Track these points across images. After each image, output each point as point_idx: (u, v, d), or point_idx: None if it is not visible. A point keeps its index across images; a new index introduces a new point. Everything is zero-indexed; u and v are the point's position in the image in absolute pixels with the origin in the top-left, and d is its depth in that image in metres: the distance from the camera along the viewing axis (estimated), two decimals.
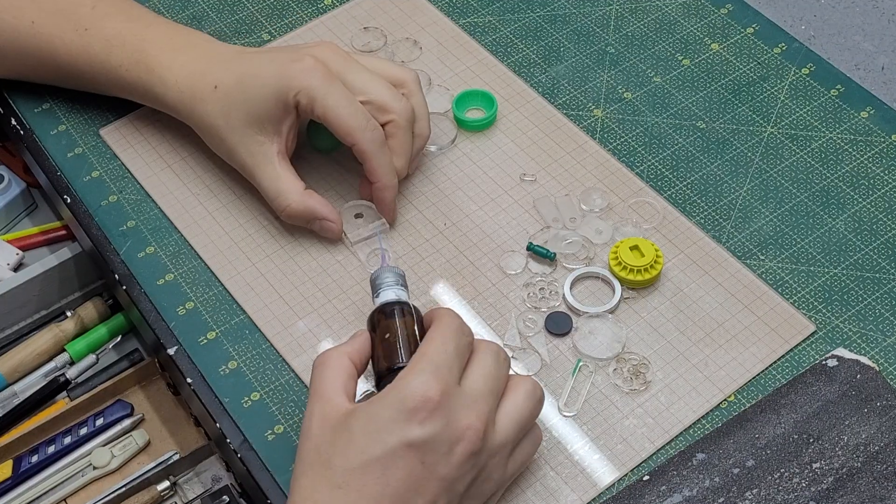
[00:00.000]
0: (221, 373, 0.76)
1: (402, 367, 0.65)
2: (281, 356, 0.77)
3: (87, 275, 0.91)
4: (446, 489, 0.62)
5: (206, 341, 0.78)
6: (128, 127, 0.90)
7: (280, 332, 0.78)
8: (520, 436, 0.66)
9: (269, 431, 0.73)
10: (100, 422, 0.84)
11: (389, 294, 0.70)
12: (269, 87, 0.78)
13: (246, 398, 0.75)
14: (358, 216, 0.82)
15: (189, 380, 0.76)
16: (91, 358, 0.87)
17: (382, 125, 0.79)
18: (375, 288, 0.71)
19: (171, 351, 0.78)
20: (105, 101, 0.91)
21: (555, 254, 0.79)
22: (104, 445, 0.83)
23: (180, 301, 0.80)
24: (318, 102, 0.77)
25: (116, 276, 0.82)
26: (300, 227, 0.83)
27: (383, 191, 0.80)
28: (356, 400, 0.65)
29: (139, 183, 0.87)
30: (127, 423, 0.84)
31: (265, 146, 0.80)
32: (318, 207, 0.80)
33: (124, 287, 0.81)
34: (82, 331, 0.89)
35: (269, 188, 0.80)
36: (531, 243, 0.79)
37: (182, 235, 0.84)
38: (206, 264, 0.82)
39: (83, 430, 0.83)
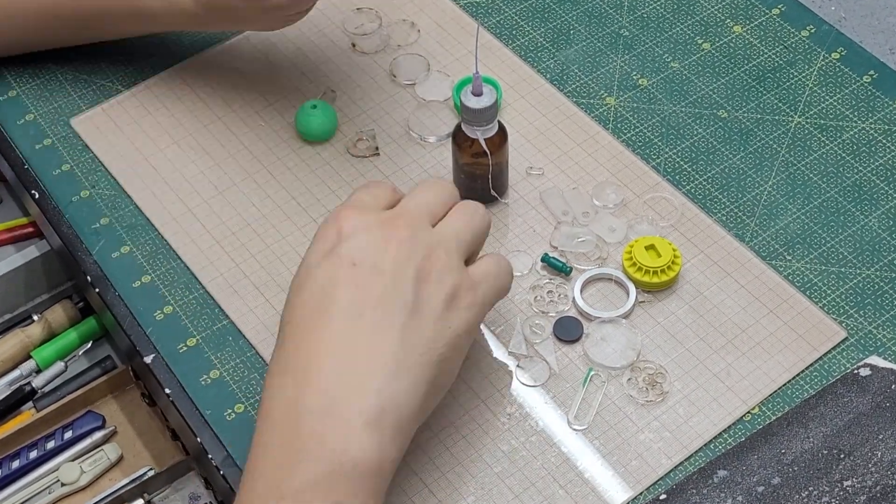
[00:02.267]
0: (202, 383, 0.76)
1: None
2: (267, 365, 0.77)
3: (56, 276, 0.91)
4: (394, 288, 0.65)
5: (185, 348, 0.78)
6: (101, 116, 0.90)
7: (266, 339, 0.78)
8: (468, 240, 0.69)
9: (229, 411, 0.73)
10: (69, 434, 0.84)
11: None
12: None
13: (229, 410, 0.75)
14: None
15: (167, 390, 0.76)
16: (59, 365, 0.87)
17: None
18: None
19: (147, 359, 0.78)
20: (77, 88, 0.91)
21: (571, 268, 0.79)
22: (73, 460, 0.83)
23: (158, 305, 0.80)
24: None
25: (88, 277, 0.82)
26: (288, 227, 0.83)
27: None
28: None
29: (113, 177, 0.87)
30: (98, 435, 0.84)
31: None
32: None
33: (97, 289, 0.81)
34: (50, 336, 0.89)
35: None
36: (546, 255, 0.79)
37: (160, 234, 0.84)
38: (185, 265, 0.82)
39: (50, 444, 0.83)
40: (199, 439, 0.74)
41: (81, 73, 0.93)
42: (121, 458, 0.84)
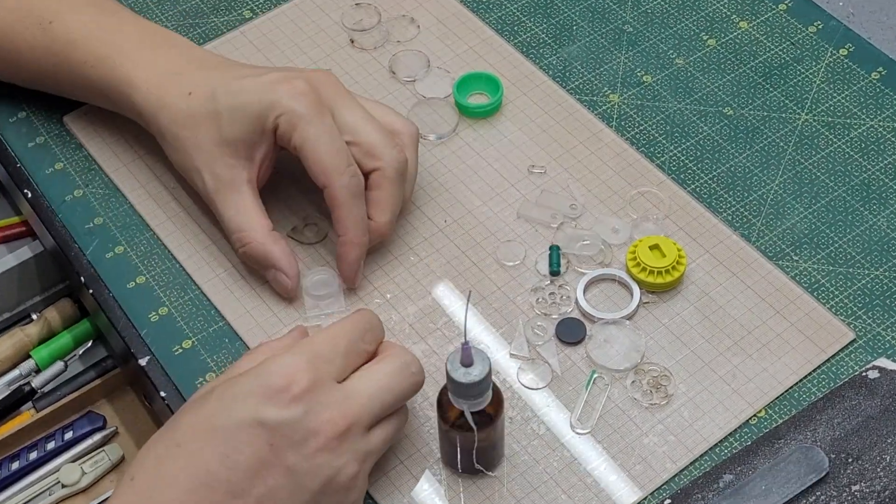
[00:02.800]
0: (199, 386, 0.76)
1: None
2: None
3: (49, 276, 0.91)
4: (293, 482, 0.63)
5: (181, 351, 0.78)
6: (95, 114, 0.90)
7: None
8: (382, 412, 0.67)
9: None
10: (69, 435, 0.84)
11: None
12: (249, 105, 0.76)
13: None
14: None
15: (163, 393, 0.76)
16: (59, 365, 0.87)
17: (367, 173, 0.77)
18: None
19: (142, 361, 0.78)
20: None
21: (559, 271, 0.79)
22: (73, 461, 0.83)
23: (153, 306, 0.80)
24: (298, 131, 0.74)
25: (82, 278, 0.82)
26: (285, 226, 0.83)
27: (348, 247, 0.76)
28: None
29: (107, 175, 0.87)
30: (98, 437, 0.84)
31: (234, 171, 0.77)
32: (278, 256, 0.77)
33: (91, 290, 0.81)
34: (49, 335, 0.89)
35: (230, 220, 0.77)
36: (555, 247, 0.80)
37: (155, 234, 0.84)
38: (181, 266, 0.82)
39: (50, 445, 0.84)
40: None
41: None
42: (122, 460, 0.84)
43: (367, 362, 0.68)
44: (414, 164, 0.80)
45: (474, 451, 0.68)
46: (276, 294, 0.79)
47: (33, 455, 0.83)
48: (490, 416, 0.67)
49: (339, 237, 0.77)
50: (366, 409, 0.65)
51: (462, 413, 0.66)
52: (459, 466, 0.70)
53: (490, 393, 0.66)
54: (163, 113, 0.80)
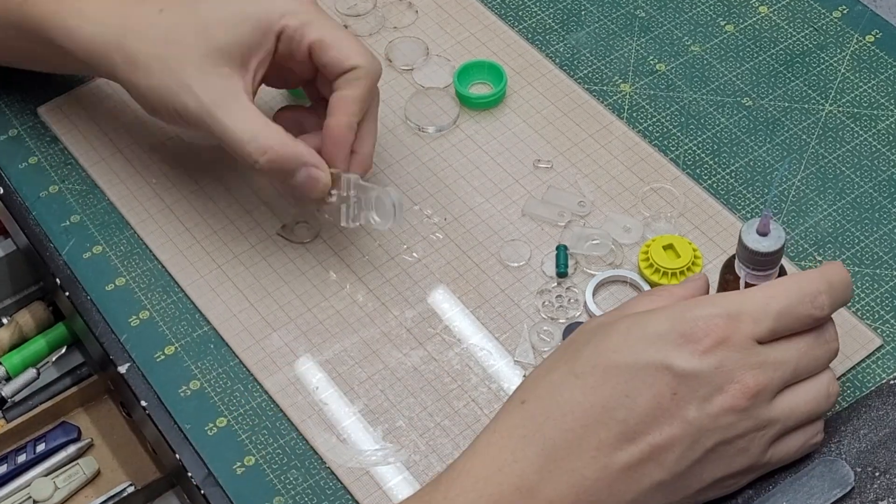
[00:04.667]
0: (182, 394, 0.76)
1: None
2: (252, 375, 0.77)
3: (21, 278, 0.91)
4: (689, 436, 0.63)
5: (163, 357, 0.78)
6: (71, 104, 0.90)
7: (251, 347, 0.78)
8: (795, 425, 0.67)
9: (238, 464, 0.73)
10: (41, 447, 0.84)
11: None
12: (246, 7, 0.76)
13: (210, 424, 0.75)
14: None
15: (143, 402, 0.76)
16: (31, 373, 0.87)
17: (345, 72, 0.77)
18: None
19: (121, 368, 0.77)
20: (44, 74, 0.91)
21: (566, 273, 0.79)
22: (46, 475, 0.83)
23: (133, 310, 0.80)
24: (315, 26, 0.76)
25: (57, 279, 0.82)
26: (274, 223, 0.83)
27: (370, 136, 0.78)
28: None
29: (85, 170, 0.87)
30: (73, 449, 0.84)
31: (231, 80, 0.76)
32: (306, 151, 0.75)
33: (67, 293, 0.81)
34: (21, 341, 0.89)
35: (240, 131, 0.74)
36: (562, 247, 0.80)
37: (135, 232, 0.84)
38: (163, 266, 0.82)
39: (21, 458, 0.84)
40: (177, 456, 0.74)
41: None
42: (98, 474, 0.84)
43: (816, 329, 0.67)
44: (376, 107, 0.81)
45: None
46: (264, 296, 0.79)
47: (2, 469, 0.83)
48: None
49: (356, 123, 0.77)
50: (778, 376, 0.65)
51: (746, 285, 0.69)
52: None
53: (773, 274, 0.69)
54: (129, 38, 0.77)
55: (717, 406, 0.63)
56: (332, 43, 0.76)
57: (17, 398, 0.87)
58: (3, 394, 0.86)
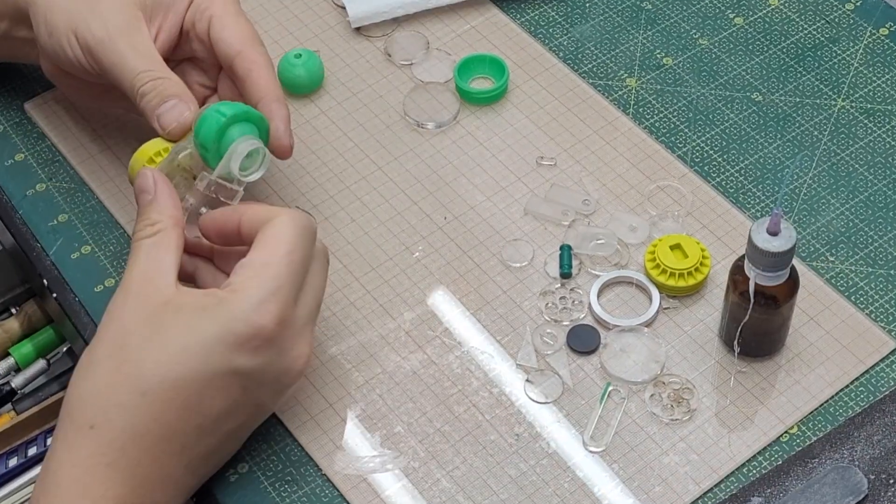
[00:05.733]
0: None
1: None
2: None
3: (8, 278, 0.91)
4: (261, 413, 0.71)
5: None
6: (59, 100, 0.90)
7: None
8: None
9: (231, 470, 0.73)
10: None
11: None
12: None
13: None
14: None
15: None
16: (41, 363, 0.87)
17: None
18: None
19: None
20: (32, 69, 0.91)
21: (570, 274, 0.79)
22: None
23: None
24: (224, 3, 0.79)
25: (45, 280, 0.82)
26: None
27: (278, 103, 0.78)
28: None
29: (73, 168, 0.87)
30: None
31: (131, 12, 0.79)
32: (180, 85, 0.78)
33: (54, 294, 0.81)
34: (31, 331, 0.89)
35: (133, 61, 0.77)
36: (566, 247, 0.80)
37: (125, 232, 0.84)
38: None
39: (32, 451, 0.84)
40: None
41: None
42: None
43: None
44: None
45: (741, 327, 0.72)
46: None
47: (13, 462, 0.83)
48: (774, 298, 0.71)
49: (262, 99, 0.78)
50: (314, 318, 0.71)
51: (756, 287, 0.70)
52: (736, 345, 0.73)
53: (784, 275, 0.70)
54: None
55: (286, 384, 0.70)
56: (228, 24, 0.79)
57: (27, 389, 0.87)
58: (13, 385, 0.87)
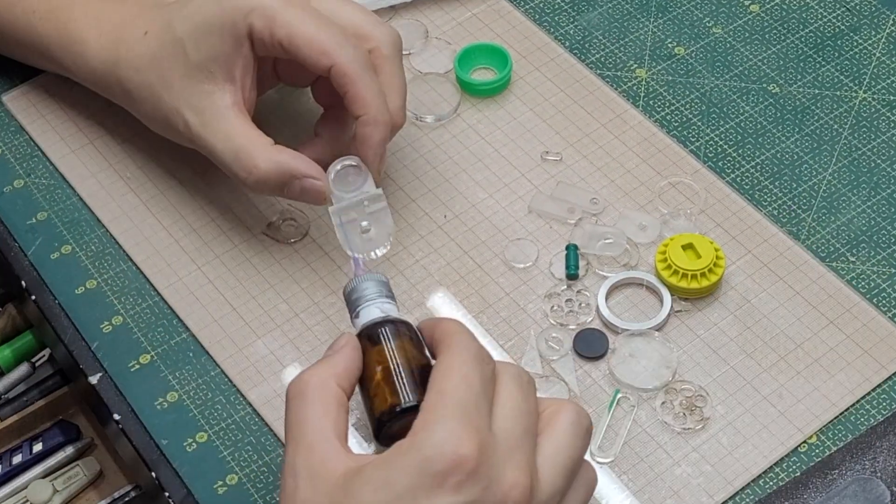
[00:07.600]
0: (158, 407, 0.76)
1: (410, 408, 0.63)
2: (234, 386, 0.77)
3: None
4: None
5: (138, 367, 0.78)
6: (38, 92, 0.90)
7: (233, 356, 0.78)
8: (570, 482, 0.64)
9: (220, 482, 0.73)
10: (38, 448, 0.84)
11: (373, 311, 0.68)
12: (211, 18, 0.77)
13: (189, 440, 0.75)
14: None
15: (116, 416, 0.76)
16: (25, 367, 0.88)
17: None
18: (353, 305, 0.68)
19: (93, 379, 0.78)
20: (8, 59, 0.91)
21: (576, 275, 0.79)
22: (44, 477, 0.84)
23: (105, 315, 0.80)
24: (279, 21, 0.75)
25: (23, 282, 0.82)
26: (257, 222, 0.83)
27: (371, 126, 0.76)
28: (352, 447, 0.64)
29: (52, 163, 0.87)
30: (71, 449, 0.85)
31: (215, 96, 0.78)
32: (295, 163, 0.76)
33: (33, 297, 0.81)
34: (14, 333, 0.89)
35: (224, 149, 0.77)
36: (572, 247, 0.80)
37: (107, 231, 0.84)
38: (138, 268, 0.82)
39: (17, 458, 0.84)
40: (153, 474, 0.74)
41: None
42: (99, 476, 0.84)
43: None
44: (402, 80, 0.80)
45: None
46: (248, 300, 0.79)
47: None
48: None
49: (359, 118, 0.76)
50: (531, 450, 0.62)
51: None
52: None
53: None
54: (121, 66, 0.81)
55: None
56: (301, 41, 0.76)
57: (10, 395, 0.87)
58: None
